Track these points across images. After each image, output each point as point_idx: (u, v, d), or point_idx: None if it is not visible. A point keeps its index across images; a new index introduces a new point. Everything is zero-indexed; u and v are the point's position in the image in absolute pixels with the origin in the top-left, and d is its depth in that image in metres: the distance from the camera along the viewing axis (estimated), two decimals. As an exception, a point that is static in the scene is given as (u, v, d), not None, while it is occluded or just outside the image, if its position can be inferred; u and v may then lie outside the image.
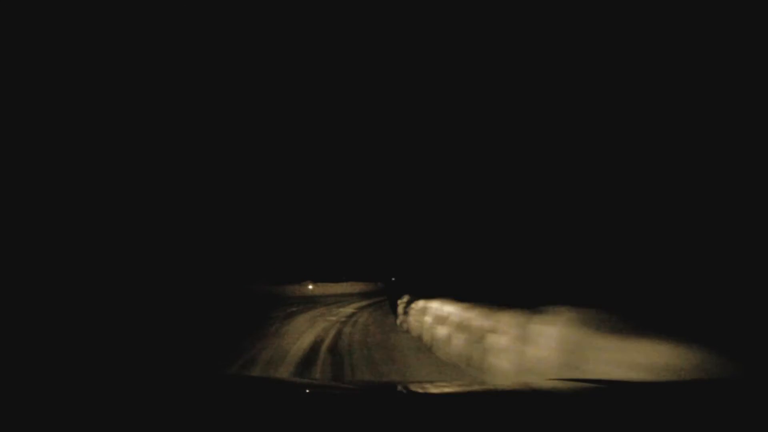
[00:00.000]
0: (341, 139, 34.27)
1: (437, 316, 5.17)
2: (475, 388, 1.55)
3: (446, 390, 1.36)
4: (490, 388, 1.47)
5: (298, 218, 29.57)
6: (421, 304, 6.89)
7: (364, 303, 14.34)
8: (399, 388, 1.45)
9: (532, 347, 2.79)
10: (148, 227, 18.11)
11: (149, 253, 16.50)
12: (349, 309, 11.54)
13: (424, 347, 5.35)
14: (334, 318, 9.14)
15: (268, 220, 26.83)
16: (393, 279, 42.47)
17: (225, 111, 25.99)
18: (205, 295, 13.16)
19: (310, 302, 14.04)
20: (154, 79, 20.52)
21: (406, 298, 9.61)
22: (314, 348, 5.38)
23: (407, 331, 7.01)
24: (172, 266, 16.43)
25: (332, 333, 6.82)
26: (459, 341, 4.09)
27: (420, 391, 1.31)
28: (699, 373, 1.83)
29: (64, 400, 0.89)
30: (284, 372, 3.96)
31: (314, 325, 7.72)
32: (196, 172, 22.53)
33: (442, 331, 4.75)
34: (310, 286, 21.49)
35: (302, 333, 6.71)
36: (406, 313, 8.31)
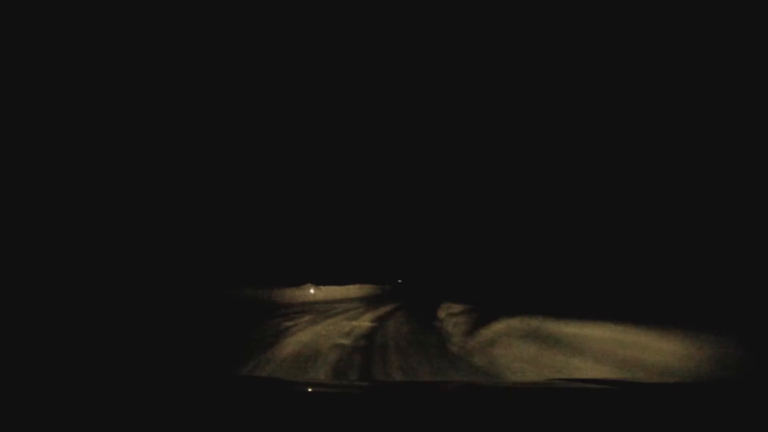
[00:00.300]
0: (343, 132, 31.48)
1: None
2: (476, 387, 1.51)
3: (447, 389, 1.41)
4: (491, 387, 1.42)
5: (298, 215, 26.37)
6: (520, 324, 3.74)
7: (379, 311, 11.18)
8: (401, 387, 1.59)
9: None
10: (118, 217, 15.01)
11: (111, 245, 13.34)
12: (364, 322, 8.38)
13: None
14: (347, 341, 5.97)
15: (263, 215, 23.62)
16: (399, 281, 39.61)
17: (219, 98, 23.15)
18: (176, 302, 9.97)
19: (312, 311, 10.87)
20: (142, 74, 18.15)
21: (458, 309, 6.48)
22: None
23: (491, 373, 3.81)
24: (140, 264, 13.25)
25: (354, 379, 3.66)
26: None
27: (421, 390, 1.32)
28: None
29: (64, 402, 0.90)
30: None
31: (319, 359, 4.56)
32: (180, 158, 19.42)
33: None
34: (312, 290, 18.27)
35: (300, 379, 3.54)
36: (470, 334, 5.13)
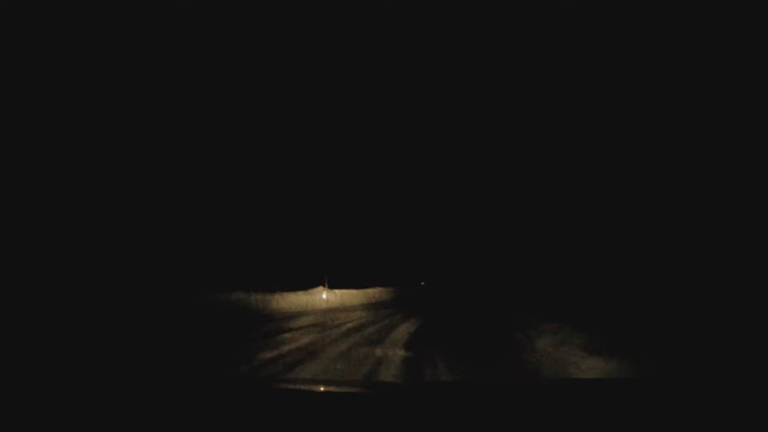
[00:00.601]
0: (343, 129, 28.65)
1: None
2: (479, 387, 1.48)
3: (446, 390, 1.43)
4: (491, 386, 1.40)
5: (312, 209, 23.33)
6: None
7: (410, 325, 7.92)
8: (402, 388, 1.59)
9: None
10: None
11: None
12: (395, 349, 5.14)
13: None
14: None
15: (275, 208, 20.66)
16: (422, 283, 35.96)
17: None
18: (121, 312, 7.02)
19: (317, 325, 7.76)
20: (133, 72, 16.52)
21: (582, 339, 3.18)
22: None
23: None
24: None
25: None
26: None
27: (423, 391, 1.31)
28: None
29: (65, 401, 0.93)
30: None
31: None
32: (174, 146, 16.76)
33: None
34: (324, 295, 15.18)
35: None
36: None
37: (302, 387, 1.41)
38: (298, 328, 7.43)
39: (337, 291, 16.09)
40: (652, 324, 5.69)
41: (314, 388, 1.34)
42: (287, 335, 6.35)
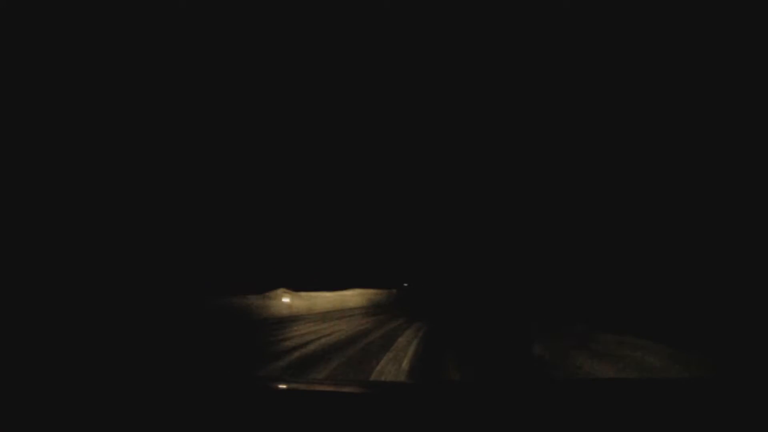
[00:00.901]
0: (332, 128, 25.78)
1: None
2: (477, 388, 1.46)
3: (447, 390, 1.37)
4: (492, 387, 1.37)
5: (268, 204, 20.04)
6: None
7: (400, 354, 5.00)
8: (400, 387, 1.57)
9: None
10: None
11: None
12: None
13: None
14: None
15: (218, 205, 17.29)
16: (405, 285, 32.88)
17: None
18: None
19: (265, 355, 4.74)
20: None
21: None
22: None
23: None
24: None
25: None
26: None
27: (420, 391, 1.29)
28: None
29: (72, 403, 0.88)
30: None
31: None
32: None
33: None
34: (285, 299, 12.04)
35: None
36: None
37: (302, 387, 1.34)
38: (239, 346, 4.35)
39: (303, 293, 12.99)
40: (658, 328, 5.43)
41: (314, 387, 1.30)
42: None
